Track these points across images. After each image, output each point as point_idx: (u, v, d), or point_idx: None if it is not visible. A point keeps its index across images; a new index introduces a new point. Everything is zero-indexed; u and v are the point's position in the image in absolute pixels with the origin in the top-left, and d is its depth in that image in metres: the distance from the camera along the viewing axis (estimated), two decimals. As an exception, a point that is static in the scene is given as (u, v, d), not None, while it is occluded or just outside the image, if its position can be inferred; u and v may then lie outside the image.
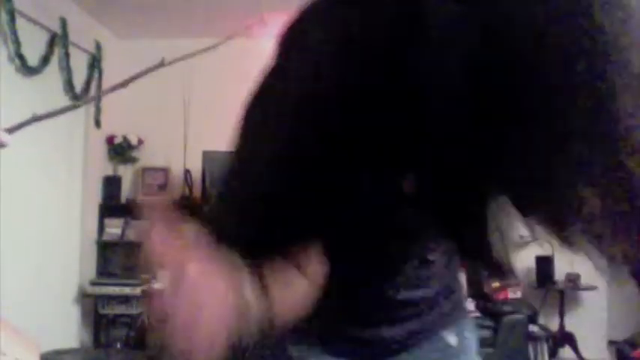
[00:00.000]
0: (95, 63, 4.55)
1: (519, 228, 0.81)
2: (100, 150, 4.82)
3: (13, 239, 3.53)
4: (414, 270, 0.98)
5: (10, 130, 1.11)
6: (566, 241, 0.64)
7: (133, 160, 4.94)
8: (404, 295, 0.97)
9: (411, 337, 1.00)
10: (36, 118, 1.17)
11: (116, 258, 4.75)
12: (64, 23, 4.04)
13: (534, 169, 0.59)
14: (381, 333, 0.98)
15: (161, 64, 1.13)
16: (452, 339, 1.02)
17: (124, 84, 1.13)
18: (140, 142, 4.91)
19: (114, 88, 1.13)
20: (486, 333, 3.90)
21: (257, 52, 5.26)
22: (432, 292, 1.00)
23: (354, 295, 0.97)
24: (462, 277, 1.10)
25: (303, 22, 0.78)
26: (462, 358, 1.03)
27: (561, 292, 4.67)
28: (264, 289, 0.71)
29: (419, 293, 0.99)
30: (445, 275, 1.03)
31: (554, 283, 4.71)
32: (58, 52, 4.02)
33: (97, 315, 4.47)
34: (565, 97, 0.55)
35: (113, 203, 4.82)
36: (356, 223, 0.84)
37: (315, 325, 0.91)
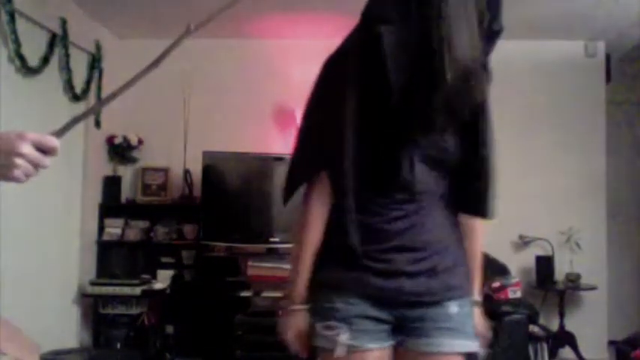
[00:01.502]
0: (95, 63, 4.55)
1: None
2: (100, 150, 4.82)
3: (13, 239, 3.53)
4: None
5: (57, 135, 1.10)
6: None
7: (133, 160, 4.94)
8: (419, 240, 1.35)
9: (425, 294, 1.35)
10: (77, 119, 1.16)
11: (116, 258, 4.75)
12: (64, 23, 4.03)
13: None
14: (402, 284, 1.34)
15: (188, 32, 1.11)
16: (454, 309, 1.37)
17: (154, 64, 1.11)
18: (140, 142, 4.91)
19: (145, 71, 1.12)
20: (486, 333, 3.89)
21: (257, 52, 5.30)
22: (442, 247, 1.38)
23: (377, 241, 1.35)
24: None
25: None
26: (460, 324, 1.37)
27: (561, 292, 4.67)
28: None
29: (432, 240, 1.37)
30: (456, 248, 1.41)
31: (554, 283, 4.71)
32: (58, 52, 4.02)
33: (97, 315, 4.47)
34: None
35: (113, 203, 4.82)
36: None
37: (352, 280, 1.36)
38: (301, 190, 1.45)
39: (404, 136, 1.33)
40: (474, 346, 1.40)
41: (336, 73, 1.39)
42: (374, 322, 1.37)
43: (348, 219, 1.34)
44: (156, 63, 1.12)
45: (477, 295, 1.46)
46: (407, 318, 1.37)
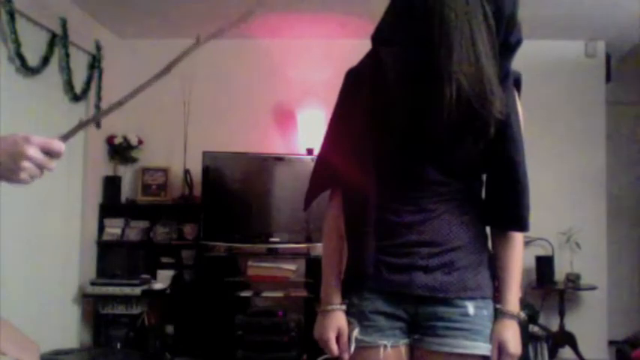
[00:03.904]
0: (95, 63, 4.55)
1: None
2: (100, 150, 4.82)
3: (13, 239, 3.53)
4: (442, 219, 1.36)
5: (63, 139, 1.11)
6: None
7: (133, 160, 4.94)
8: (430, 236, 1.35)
9: (439, 290, 1.33)
10: (83, 124, 1.18)
11: (116, 258, 4.75)
12: (64, 23, 4.03)
13: None
14: (415, 278, 1.34)
15: (197, 44, 1.13)
16: (471, 310, 1.34)
17: (166, 70, 1.13)
18: (140, 142, 4.91)
19: (153, 80, 1.13)
20: (486, 333, 3.89)
21: (257, 52, 5.29)
22: (458, 245, 1.36)
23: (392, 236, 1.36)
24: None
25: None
26: (477, 323, 1.34)
27: (561, 292, 4.67)
28: None
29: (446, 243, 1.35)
30: (476, 250, 1.38)
31: (554, 283, 4.71)
32: (58, 52, 4.02)
33: (97, 315, 4.47)
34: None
35: (113, 203, 4.81)
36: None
37: (367, 275, 1.36)
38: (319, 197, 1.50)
39: (417, 146, 1.34)
40: (489, 349, 1.36)
41: (352, 90, 1.41)
42: (387, 318, 1.37)
43: (366, 242, 1.36)
44: (165, 71, 1.13)
45: (511, 307, 1.38)
46: (421, 315, 1.36)
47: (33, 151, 1.06)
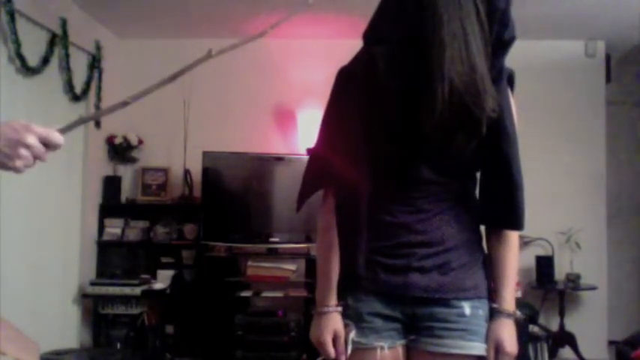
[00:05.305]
0: (95, 63, 4.55)
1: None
2: (100, 150, 4.82)
3: (13, 239, 3.53)
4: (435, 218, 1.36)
5: (62, 131, 1.11)
6: None
7: (133, 160, 4.94)
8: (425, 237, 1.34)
9: (436, 291, 1.33)
10: (83, 120, 1.17)
11: (116, 258, 4.75)
12: (64, 23, 4.03)
13: None
14: (411, 280, 1.33)
15: (209, 56, 1.13)
16: (467, 310, 1.34)
17: (171, 79, 1.13)
18: (140, 142, 4.91)
19: (160, 84, 1.13)
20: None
21: (257, 52, 5.29)
22: (454, 245, 1.35)
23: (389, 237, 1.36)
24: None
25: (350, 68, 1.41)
26: (473, 323, 1.34)
27: (561, 292, 4.67)
28: None
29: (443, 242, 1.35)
30: (472, 249, 1.38)
31: (554, 283, 4.71)
32: (58, 52, 4.02)
33: (97, 315, 4.47)
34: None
35: (113, 203, 4.81)
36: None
37: (362, 276, 1.35)
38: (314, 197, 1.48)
39: (410, 145, 1.33)
40: (485, 349, 1.35)
41: (344, 89, 1.40)
42: (384, 320, 1.37)
43: (357, 243, 1.35)
44: (172, 79, 1.13)
45: (507, 305, 1.38)
46: (418, 316, 1.36)
47: (32, 140, 1.05)
